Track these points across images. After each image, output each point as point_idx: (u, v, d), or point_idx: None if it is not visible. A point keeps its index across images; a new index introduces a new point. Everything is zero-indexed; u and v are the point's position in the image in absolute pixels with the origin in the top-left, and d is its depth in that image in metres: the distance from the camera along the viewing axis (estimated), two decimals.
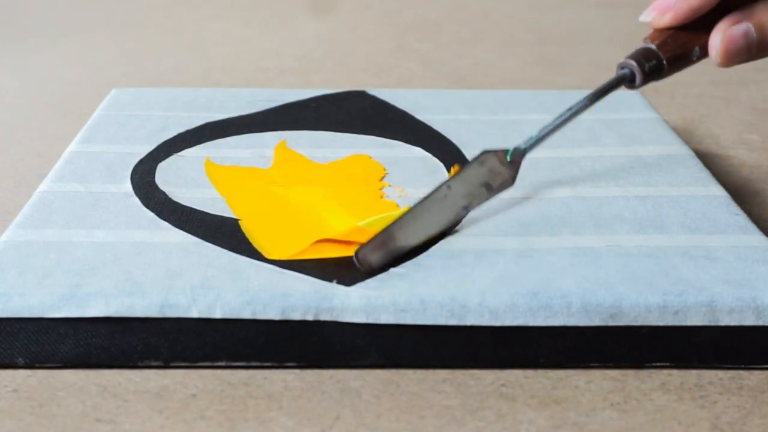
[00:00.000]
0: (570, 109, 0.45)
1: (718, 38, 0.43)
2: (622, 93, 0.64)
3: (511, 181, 0.45)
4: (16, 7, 1.09)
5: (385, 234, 0.41)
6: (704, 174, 0.51)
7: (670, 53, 0.44)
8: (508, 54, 0.90)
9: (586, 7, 1.10)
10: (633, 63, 0.44)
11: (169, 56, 0.90)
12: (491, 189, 0.44)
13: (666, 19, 0.44)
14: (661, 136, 0.56)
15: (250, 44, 0.94)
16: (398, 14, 1.08)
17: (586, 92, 0.64)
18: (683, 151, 0.54)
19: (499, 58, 0.89)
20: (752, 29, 0.43)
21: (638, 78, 0.44)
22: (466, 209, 0.44)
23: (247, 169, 0.51)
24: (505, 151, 0.45)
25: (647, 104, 0.62)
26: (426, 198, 0.43)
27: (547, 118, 0.58)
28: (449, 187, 0.44)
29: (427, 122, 0.58)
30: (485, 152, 0.45)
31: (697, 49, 0.44)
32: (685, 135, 0.64)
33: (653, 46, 0.44)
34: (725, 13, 0.43)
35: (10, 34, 0.97)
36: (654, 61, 0.44)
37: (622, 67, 0.45)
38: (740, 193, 0.55)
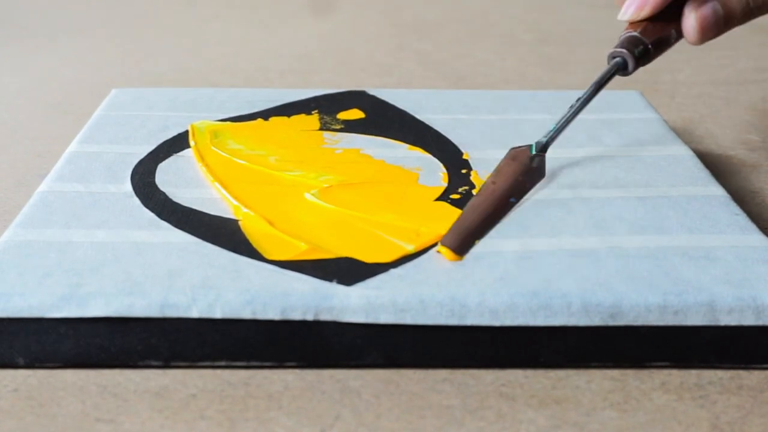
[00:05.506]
0: (578, 99, 0.49)
1: (693, 17, 0.47)
2: (622, 93, 0.64)
3: (540, 172, 0.49)
4: (16, 7, 1.09)
5: (461, 224, 0.44)
6: (704, 174, 0.51)
7: (653, 38, 0.48)
8: (508, 54, 0.90)
9: (586, 7, 1.10)
10: (624, 51, 0.48)
11: (169, 56, 0.90)
12: (527, 181, 0.48)
13: (645, 12, 0.48)
14: (661, 136, 0.56)
15: (250, 44, 0.94)
16: (398, 14, 1.07)
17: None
18: (683, 151, 0.54)
19: (499, 58, 0.89)
20: (719, 6, 0.47)
21: (630, 64, 0.48)
22: (514, 200, 0.47)
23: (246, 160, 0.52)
24: (529, 147, 0.50)
25: (647, 104, 0.62)
26: (477, 195, 0.47)
27: (546, 118, 0.59)
28: (494, 182, 0.47)
29: (427, 122, 0.58)
30: (513, 149, 0.50)
31: (673, 31, 0.48)
32: (685, 135, 0.64)
33: (637, 34, 0.48)
34: None
35: (10, 34, 0.97)
36: (641, 47, 0.48)
37: (614, 56, 0.49)
38: (740, 193, 0.55)
